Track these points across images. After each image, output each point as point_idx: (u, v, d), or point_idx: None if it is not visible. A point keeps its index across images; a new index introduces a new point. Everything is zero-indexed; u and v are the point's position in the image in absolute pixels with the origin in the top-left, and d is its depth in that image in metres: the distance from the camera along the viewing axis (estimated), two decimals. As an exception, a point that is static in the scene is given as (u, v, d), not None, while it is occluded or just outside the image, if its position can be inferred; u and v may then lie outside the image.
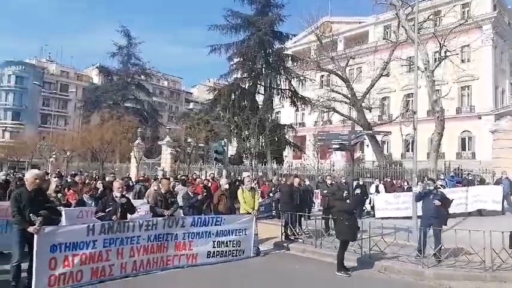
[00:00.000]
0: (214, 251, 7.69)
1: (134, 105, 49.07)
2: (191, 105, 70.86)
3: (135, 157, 28.09)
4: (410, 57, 26.29)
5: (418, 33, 13.37)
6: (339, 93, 24.87)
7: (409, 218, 10.75)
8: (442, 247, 7.61)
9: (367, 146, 28.93)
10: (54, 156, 35.63)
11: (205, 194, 9.64)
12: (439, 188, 9.30)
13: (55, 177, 11.09)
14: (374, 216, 14.03)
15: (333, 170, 21.98)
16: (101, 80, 55.41)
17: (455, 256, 7.46)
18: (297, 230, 9.93)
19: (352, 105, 25.21)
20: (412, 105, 15.43)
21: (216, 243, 7.71)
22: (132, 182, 15.38)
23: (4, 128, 57.96)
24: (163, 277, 6.72)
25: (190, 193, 9.29)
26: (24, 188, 5.73)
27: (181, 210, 8.91)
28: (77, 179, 12.53)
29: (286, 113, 41.30)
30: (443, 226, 7.96)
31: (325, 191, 11.62)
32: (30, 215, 5.39)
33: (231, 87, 31.50)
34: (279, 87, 32.15)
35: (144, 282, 6.41)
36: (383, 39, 30.77)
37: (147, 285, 6.37)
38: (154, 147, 34.04)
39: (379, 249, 8.10)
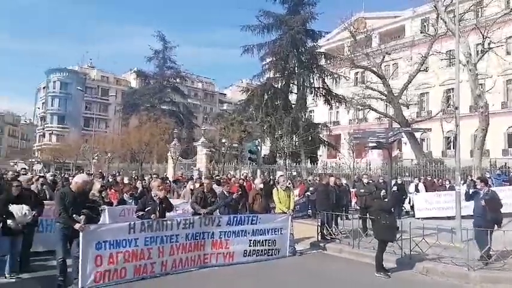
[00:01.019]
0: (250, 250, 7.74)
1: (170, 107, 50.35)
2: (225, 106, 71.72)
3: (172, 158, 28.78)
4: (450, 51, 25.21)
5: (459, 25, 12.76)
6: (375, 90, 24.26)
7: (452, 218, 10.30)
8: (491, 250, 7.21)
9: (405, 143, 27.99)
10: (96, 157, 37.28)
11: (240, 193, 9.72)
12: (490, 187, 8.82)
13: (99, 178, 11.60)
14: (414, 216, 13.56)
15: (369, 169, 21.46)
16: (138, 83, 57.37)
17: (503, 258, 7.06)
18: (334, 229, 9.79)
19: (389, 102, 24.51)
20: (454, 100, 14.76)
21: (252, 242, 7.77)
22: (170, 181, 15.78)
23: (51, 132, 61.61)
24: (201, 275, 6.85)
25: (225, 192, 9.40)
26: (69, 188, 6.06)
27: (217, 210, 9.04)
28: (118, 179, 13.04)
29: (320, 112, 40.80)
30: (495, 227, 7.52)
31: (362, 190, 11.37)
32: (74, 215, 5.70)
33: (264, 87, 31.54)
34: (312, 86, 31.80)
35: (183, 280, 6.57)
36: (420, 33, 29.63)
37: (185, 283, 6.52)
38: (190, 147, 34.73)
39: (420, 250, 7.81)
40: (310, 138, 27.49)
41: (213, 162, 28.01)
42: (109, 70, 68.00)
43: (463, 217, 9.18)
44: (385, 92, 23.68)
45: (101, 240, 5.91)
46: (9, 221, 6.05)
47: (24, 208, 6.23)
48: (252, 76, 34.56)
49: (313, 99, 33.99)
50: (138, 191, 10.86)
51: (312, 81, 31.69)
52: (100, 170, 26.85)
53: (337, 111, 41.75)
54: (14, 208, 6.14)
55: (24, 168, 21.42)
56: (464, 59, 17.69)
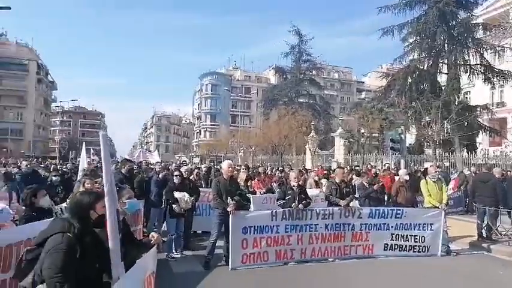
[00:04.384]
0: (392, 244, 7.26)
1: (307, 100, 50.96)
2: (363, 95, 68.84)
3: (310, 149, 29.16)
4: None
5: None
6: (556, 60, 19.48)
7: None
8: None
9: None
10: (242, 150, 40.67)
11: (382, 184, 9.18)
12: None
13: (243, 169, 12.58)
14: None
15: (550, 158, 17.43)
16: (277, 79, 59.88)
17: None
18: (499, 228, 8.29)
19: None
20: None
21: (394, 236, 7.25)
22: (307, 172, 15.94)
23: (205, 129, 70.28)
24: (340, 266, 6.76)
25: (365, 183, 9.01)
26: (222, 177, 6.87)
27: (357, 201, 8.73)
28: (260, 170, 13.90)
29: (478, 92, 34.98)
30: None
31: (539, 184, 9.29)
32: (228, 199, 6.33)
33: (407, 69, 28.87)
34: (467, 63, 27.53)
35: (324, 269, 6.58)
36: None
37: (324, 272, 6.52)
38: (328, 139, 34.54)
39: None
40: (466, 123, 23.94)
41: (351, 153, 27.25)
42: (251, 69, 73.36)
43: None
44: None
45: (247, 226, 6.42)
46: (174, 206, 7.11)
47: (186, 195, 7.23)
48: (392, 60, 32.12)
49: (468, 79, 29.38)
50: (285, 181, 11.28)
51: (466, 58, 27.44)
52: (246, 162, 29.20)
53: (501, 91, 35.04)
54: (177, 195, 7.19)
55: (185, 161, 24.91)
56: None
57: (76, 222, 2.49)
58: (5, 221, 4.32)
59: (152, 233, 2.97)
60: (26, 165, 9.78)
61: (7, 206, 4.58)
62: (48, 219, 4.24)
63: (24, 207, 4.62)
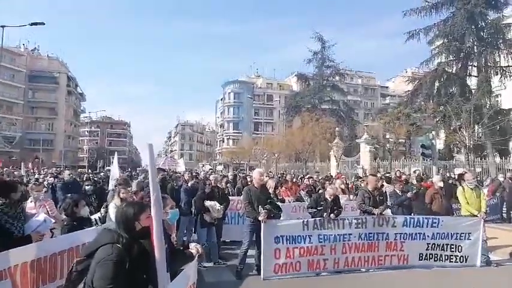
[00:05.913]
0: (427, 254, 7.00)
1: (330, 106, 50.44)
2: (387, 100, 67.57)
3: (335, 156, 28.77)
4: None
5: None
6: None
7: None
8: None
9: None
10: (265, 158, 40.60)
11: (415, 191, 8.92)
12: None
13: (267, 177, 12.50)
14: None
15: None
16: (299, 86, 59.68)
17: None
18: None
19: None
20: None
21: (430, 246, 7.00)
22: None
23: (228, 137, 70.68)
24: (373, 276, 6.58)
25: (398, 191, 8.78)
26: (252, 185, 6.84)
27: (389, 210, 8.51)
28: (288, 177, 13.80)
29: (510, 95, 33.68)
30: None
31: None
32: (259, 207, 6.30)
33: (435, 73, 28.27)
34: (498, 65, 26.67)
35: (355, 280, 6.43)
36: None
37: (358, 282, 6.36)
38: (353, 145, 34.00)
39: None
40: (498, 127, 23.11)
41: (377, 160, 26.70)
42: (273, 77, 73.56)
43: None
44: None
45: (279, 235, 6.34)
46: (204, 215, 7.13)
47: (217, 204, 7.25)
48: (418, 64, 31.55)
49: (500, 81, 28.44)
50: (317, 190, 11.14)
51: (497, 59, 26.62)
52: (270, 170, 29.12)
53: (536, 93, 33.68)
54: (208, 203, 7.21)
55: (211, 169, 25.10)
56: None
57: (123, 233, 2.52)
58: (46, 230, 4.45)
59: (195, 245, 3.00)
60: (69, 175, 10.12)
61: (48, 216, 4.71)
62: (89, 228, 4.37)
63: (65, 217, 4.75)
